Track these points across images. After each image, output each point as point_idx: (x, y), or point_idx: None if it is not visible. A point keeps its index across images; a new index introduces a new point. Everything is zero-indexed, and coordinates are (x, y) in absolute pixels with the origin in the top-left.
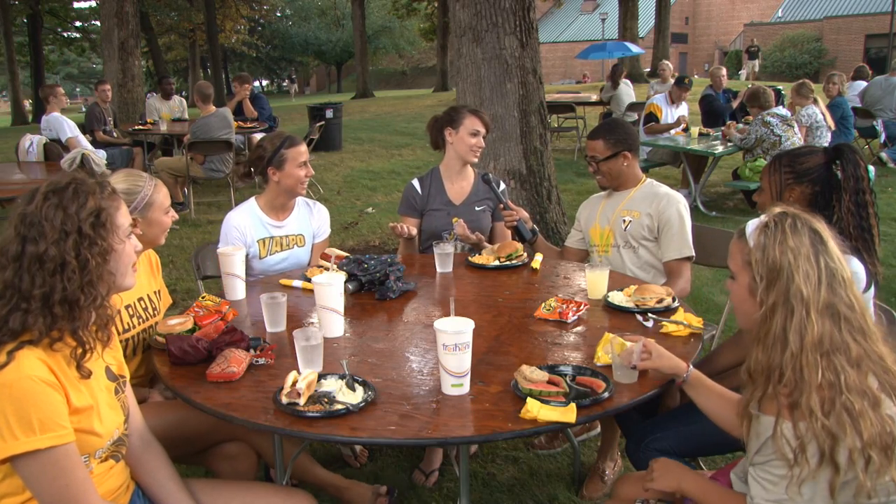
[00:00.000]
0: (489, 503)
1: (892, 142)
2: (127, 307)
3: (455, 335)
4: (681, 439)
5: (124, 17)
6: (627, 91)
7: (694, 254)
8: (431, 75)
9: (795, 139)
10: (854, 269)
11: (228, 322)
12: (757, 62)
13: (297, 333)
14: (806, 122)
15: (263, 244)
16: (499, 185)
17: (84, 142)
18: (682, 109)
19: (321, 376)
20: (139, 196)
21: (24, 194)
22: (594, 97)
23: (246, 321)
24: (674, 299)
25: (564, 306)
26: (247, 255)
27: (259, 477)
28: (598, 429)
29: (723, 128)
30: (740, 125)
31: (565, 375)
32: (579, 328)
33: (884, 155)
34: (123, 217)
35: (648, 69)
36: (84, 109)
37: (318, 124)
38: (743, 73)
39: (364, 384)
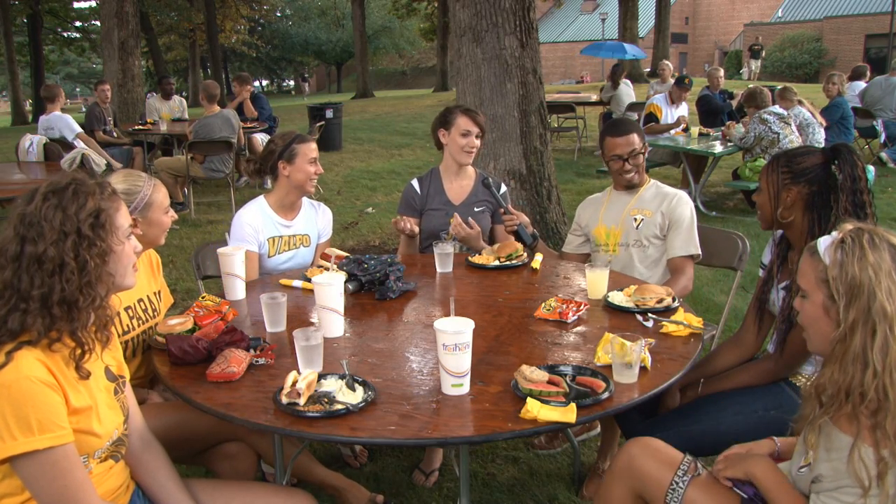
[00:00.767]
0: (489, 503)
1: (892, 142)
2: (126, 309)
3: (455, 335)
4: (681, 439)
5: (124, 17)
6: (627, 91)
7: (700, 253)
8: (431, 75)
9: (793, 136)
10: None
11: (228, 322)
12: (759, 62)
13: (297, 333)
14: (796, 122)
15: (273, 243)
16: (499, 189)
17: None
18: (682, 109)
19: (321, 376)
20: (138, 196)
21: (24, 194)
22: (594, 97)
23: (246, 321)
24: (674, 299)
25: (564, 306)
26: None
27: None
28: (598, 429)
29: (722, 128)
30: (740, 126)
31: (565, 375)
32: (579, 328)
33: (884, 155)
34: (123, 218)
35: (649, 69)
36: (84, 109)
37: (318, 124)
38: (745, 72)
39: (364, 384)
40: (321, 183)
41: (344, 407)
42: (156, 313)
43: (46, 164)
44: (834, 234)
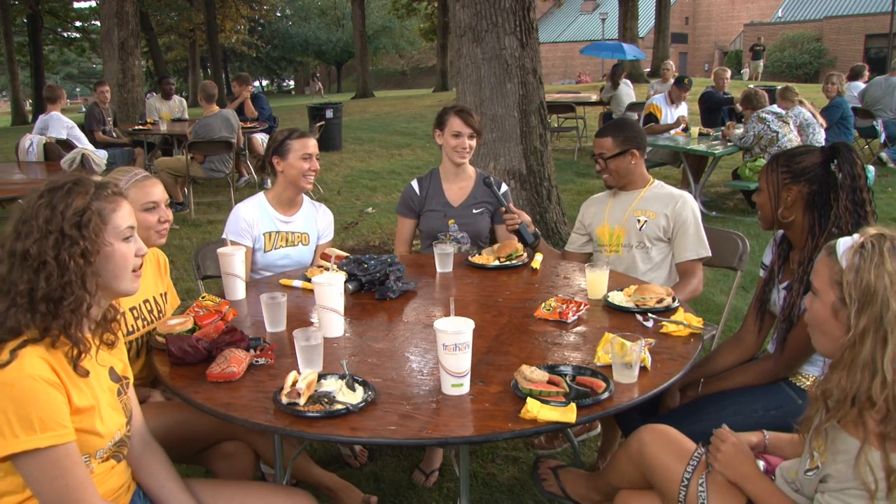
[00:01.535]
0: (489, 503)
1: (892, 142)
2: (132, 309)
3: (455, 335)
4: None
5: (124, 17)
6: (627, 91)
7: (710, 253)
8: (431, 75)
9: (792, 136)
10: None
11: (228, 322)
12: (761, 62)
13: (297, 333)
14: (796, 122)
15: (269, 238)
16: (500, 188)
17: (84, 140)
18: (682, 109)
19: (321, 376)
20: None
21: (30, 191)
22: (594, 97)
23: (246, 321)
24: (674, 299)
25: (564, 306)
26: (252, 248)
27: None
28: (598, 429)
29: (723, 128)
30: (740, 126)
31: (565, 375)
32: (579, 328)
33: (884, 155)
34: (121, 218)
35: (648, 69)
36: (84, 109)
37: (318, 124)
38: (746, 72)
39: (364, 384)
40: (321, 183)
41: (344, 407)
42: (161, 314)
43: (46, 164)
44: (855, 236)
